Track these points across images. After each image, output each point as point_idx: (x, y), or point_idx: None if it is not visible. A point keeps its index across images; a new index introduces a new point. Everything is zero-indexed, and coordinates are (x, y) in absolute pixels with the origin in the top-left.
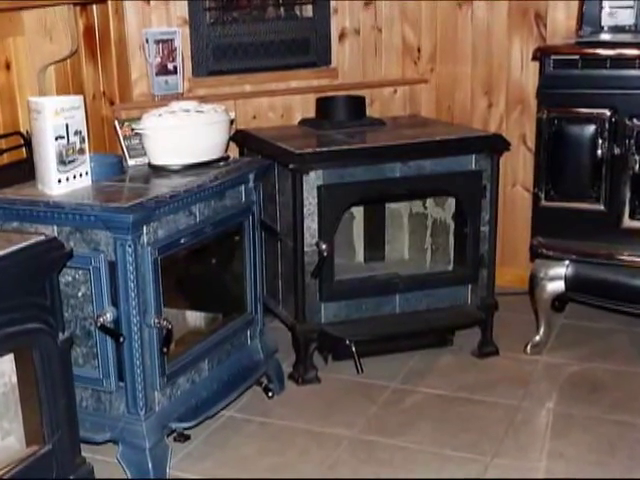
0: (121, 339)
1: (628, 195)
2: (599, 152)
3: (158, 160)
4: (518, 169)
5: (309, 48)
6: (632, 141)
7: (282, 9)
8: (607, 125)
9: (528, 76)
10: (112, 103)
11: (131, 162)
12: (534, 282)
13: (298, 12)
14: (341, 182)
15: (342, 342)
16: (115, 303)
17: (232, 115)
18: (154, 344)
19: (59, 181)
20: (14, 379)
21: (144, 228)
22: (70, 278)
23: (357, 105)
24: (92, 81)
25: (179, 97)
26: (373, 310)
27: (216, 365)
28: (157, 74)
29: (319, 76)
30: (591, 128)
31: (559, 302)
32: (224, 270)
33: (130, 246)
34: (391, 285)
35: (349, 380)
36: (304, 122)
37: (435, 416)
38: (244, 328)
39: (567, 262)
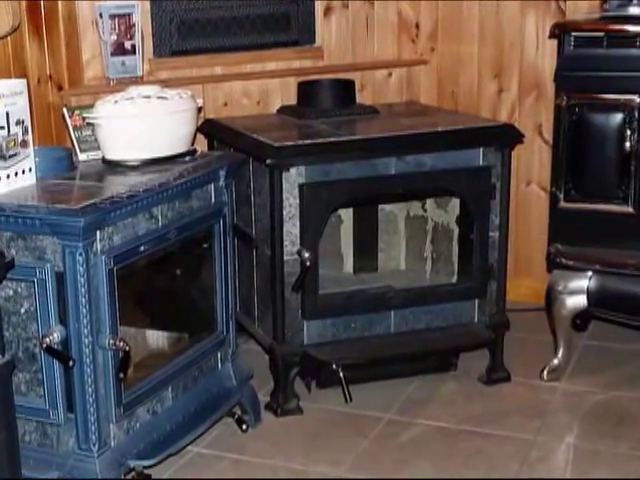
0: (70, 363)
1: None
2: (627, 145)
3: (114, 154)
4: (533, 165)
5: (289, 24)
6: None
7: None
8: (637, 113)
9: (545, 57)
10: (60, 88)
11: (82, 157)
12: (552, 296)
13: None
14: (327, 180)
15: (328, 366)
16: (63, 321)
17: (200, 102)
18: (109, 369)
19: None
20: None
21: (97, 233)
22: (11, 292)
23: (345, 90)
24: (37, 62)
25: (138, 81)
26: (364, 329)
27: (181, 393)
28: (112, 54)
29: (301, 57)
30: (618, 117)
31: (581, 320)
32: (191, 282)
33: (81, 254)
34: (385, 300)
35: (336, 411)
36: (284, 110)
37: (436, 452)
38: (214, 350)
39: (590, 273)
